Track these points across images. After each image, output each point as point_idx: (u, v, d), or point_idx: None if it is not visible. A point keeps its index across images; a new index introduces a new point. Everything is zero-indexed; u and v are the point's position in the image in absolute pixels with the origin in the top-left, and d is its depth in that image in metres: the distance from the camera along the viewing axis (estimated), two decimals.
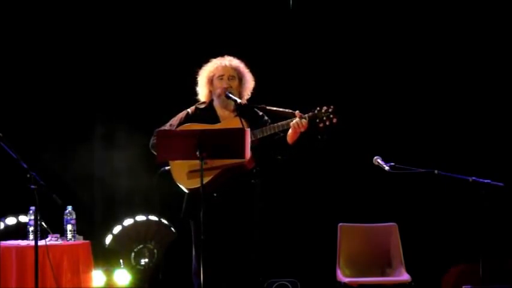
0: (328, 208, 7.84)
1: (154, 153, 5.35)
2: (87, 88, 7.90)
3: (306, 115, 5.30)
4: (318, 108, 5.31)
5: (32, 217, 6.22)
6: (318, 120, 5.29)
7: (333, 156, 7.90)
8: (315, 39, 8.00)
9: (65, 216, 6.39)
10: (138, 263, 7.59)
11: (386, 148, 6.25)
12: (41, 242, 5.60)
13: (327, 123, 5.28)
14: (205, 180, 5.17)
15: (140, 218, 7.71)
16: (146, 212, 7.72)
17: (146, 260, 7.58)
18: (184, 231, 5.65)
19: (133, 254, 7.59)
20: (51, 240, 6.27)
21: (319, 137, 5.36)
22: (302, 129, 5.27)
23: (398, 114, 7.97)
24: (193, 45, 7.71)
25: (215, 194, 5.32)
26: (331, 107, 5.29)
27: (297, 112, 5.30)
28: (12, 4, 7.78)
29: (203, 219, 5.02)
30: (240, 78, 5.54)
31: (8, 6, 7.75)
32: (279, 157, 5.48)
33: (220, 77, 5.51)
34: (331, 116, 5.27)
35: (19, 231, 6.74)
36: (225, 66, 5.54)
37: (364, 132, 7.88)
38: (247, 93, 5.58)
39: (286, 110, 5.37)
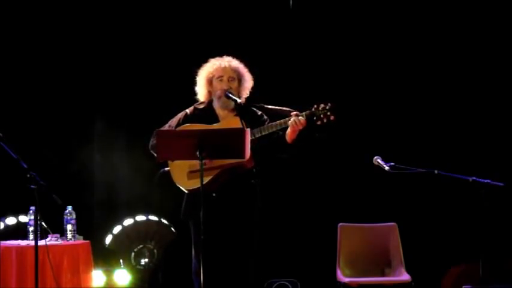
0: (328, 208, 7.84)
1: (154, 154, 5.35)
2: (87, 88, 7.90)
3: (304, 113, 5.29)
4: (316, 106, 5.30)
5: (32, 217, 6.22)
6: (315, 118, 5.28)
7: (333, 156, 7.91)
8: (315, 39, 8.00)
9: (65, 216, 6.39)
10: (138, 263, 7.59)
11: (387, 148, 6.25)
12: (41, 242, 5.59)
13: (325, 120, 5.27)
14: (205, 180, 5.16)
15: (140, 218, 7.72)
16: (146, 212, 7.72)
17: (146, 260, 7.59)
18: (184, 231, 5.65)
19: (133, 254, 7.59)
20: (51, 240, 6.27)
21: (317, 134, 5.36)
22: (300, 127, 5.26)
23: (398, 114, 7.97)
24: (194, 45, 7.71)
25: (214, 194, 5.33)
26: (329, 104, 5.29)
27: (293, 113, 5.30)
28: (12, 4, 7.78)
29: (203, 219, 5.02)
30: (240, 79, 5.53)
31: (8, 6, 7.75)
32: (279, 156, 5.47)
33: (220, 78, 5.49)
34: (329, 113, 5.27)
35: (19, 231, 6.74)
36: (225, 67, 5.51)
37: (364, 132, 7.88)
38: (246, 92, 5.56)
39: (284, 108, 5.38)
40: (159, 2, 8.00)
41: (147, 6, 7.98)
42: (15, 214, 7.11)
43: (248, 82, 5.56)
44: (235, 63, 5.55)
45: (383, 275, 7.24)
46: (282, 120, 5.33)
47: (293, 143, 5.33)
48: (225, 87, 5.45)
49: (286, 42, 7.94)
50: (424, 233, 7.79)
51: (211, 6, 7.97)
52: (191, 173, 5.28)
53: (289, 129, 5.30)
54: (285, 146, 5.37)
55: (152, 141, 5.45)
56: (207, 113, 5.51)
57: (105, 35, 7.92)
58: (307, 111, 5.30)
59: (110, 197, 7.96)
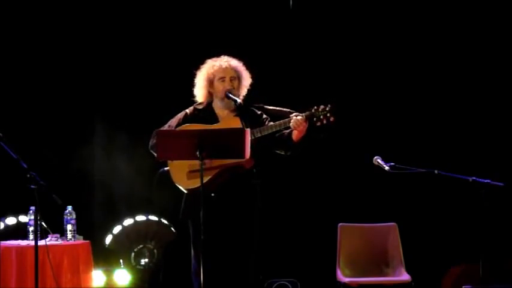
0: (328, 208, 7.84)
1: (154, 154, 5.35)
2: (87, 88, 7.90)
3: (303, 114, 5.29)
4: (315, 107, 5.30)
5: (32, 217, 6.22)
6: (315, 119, 5.28)
7: (333, 156, 7.91)
8: (315, 39, 8.00)
9: (65, 216, 6.39)
10: (138, 263, 7.59)
11: (387, 148, 6.26)
12: (41, 242, 5.59)
13: (324, 121, 5.27)
14: (204, 180, 5.16)
15: (140, 218, 7.72)
16: (146, 212, 7.72)
17: (146, 260, 7.59)
18: (184, 231, 5.65)
19: (133, 254, 7.59)
20: (51, 240, 6.27)
21: (322, 135, 5.36)
22: (302, 127, 5.26)
23: (398, 114, 7.97)
24: (194, 46, 7.71)
25: (213, 194, 5.32)
26: (328, 105, 5.29)
27: (292, 114, 5.30)
28: (12, 4, 7.78)
29: (203, 219, 5.02)
30: (239, 78, 5.53)
31: (8, 6, 7.75)
32: (283, 153, 5.47)
33: (222, 79, 5.48)
34: (328, 114, 5.27)
35: (19, 231, 6.74)
36: (226, 68, 5.50)
37: (364, 132, 7.88)
38: (244, 90, 5.56)
39: (284, 109, 5.38)
40: (159, 2, 8.00)
41: (147, 6, 7.98)
42: (15, 214, 7.11)
43: (246, 80, 5.56)
44: (234, 62, 5.55)
45: (383, 275, 7.24)
46: (281, 121, 5.33)
47: (298, 143, 5.34)
48: (228, 87, 5.45)
49: (286, 42, 7.94)
50: (424, 233, 7.79)
51: (211, 6, 7.97)
52: (190, 173, 5.28)
53: (294, 132, 5.30)
54: (291, 145, 5.37)
55: (152, 141, 5.45)
56: (207, 114, 5.51)
57: (105, 35, 7.92)
58: (307, 112, 5.30)
59: (110, 197, 7.95)
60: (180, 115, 5.55)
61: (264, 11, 7.98)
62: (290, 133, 5.36)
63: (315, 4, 8.03)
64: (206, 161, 5.13)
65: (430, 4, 7.98)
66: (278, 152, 5.50)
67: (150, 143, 5.47)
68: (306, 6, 8.00)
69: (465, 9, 7.93)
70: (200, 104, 5.59)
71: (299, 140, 5.34)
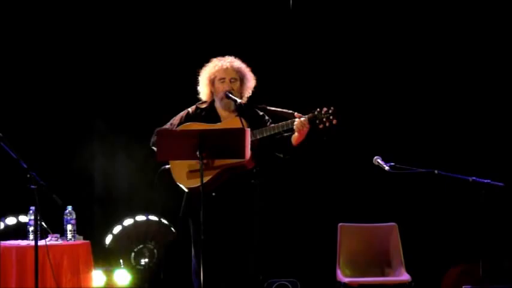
0: (328, 208, 7.84)
1: (155, 150, 5.35)
2: (88, 88, 7.90)
3: (306, 116, 5.28)
4: (318, 110, 5.29)
5: (32, 217, 6.22)
6: (317, 122, 5.27)
7: (333, 156, 7.91)
8: (315, 40, 8.00)
9: (65, 216, 6.39)
10: (138, 263, 7.60)
11: (387, 148, 6.26)
12: (41, 242, 5.59)
13: (327, 124, 5.26)
14: (205, 179, 5.16)
15: (140, 218, 7.72)
16: (146, 212, 7.72)
17: (146, 260, 7.59)
18: (184, 231, 5.65)
19: (133, 254, 7.59)
20: (51, 240, 6.27)
21: (325, 138, 5.35)
22: (306, 129, 5.26)
23: (398, 114, 7.97)
24: (194, 46, 7.72)
25: (214, 194, 5.33)
26: (331, 108, 5.27)
27: (296, 113, 5.30)
28: (12, 4, 7.78)
29: (203, 219, 5.02)
30: (242, 79, 5.52)
31: (8, 6, 7.76)
32: (282, 156, 5.47)
33: (222, 80, 5.48)
34: (331, 117, 5.26)
35: (19, 231, 6.74)
36: (227, 68, 5.50)
37: (364, 132, 7.88)
38: (248, 92, 5.56)
39: (286, 111, 5.37)
40: (159, 2, 8.00)
41: (147, 6, 7.98)
42: (15, 214, 7.11)
43: (250, 82, 5.55)
44: (237, 63, 5.54)
45: (383, 275, 7.24)
46: (283, 123, 5.32)
47: (298, 146, 5.34)
48: (227, 89, 5.45)
49: (286, 43, 7.93)
50: (424, 233, 7.79)
51: (212, 6, 7.96)
52: (191, 172, 5.28)
53: (296, 133, 5.29)
54: (290, 148, 5.37)
55: (153, 138, 5.44)
56: (209, 113, 5.51)
57: (105, 35, 7.92)
58: (310, 115, 5.29)
59: (110, 197, 7.96)
60: (182, 113, 5.55)
61: (264, 11, 7.97)
62: (290, 136, 5.36)
63: (315, 4, 8.03)
64: (208, 160, 5.14)
65: (429, 4, 7.98)
66: (277, 154, 5.48)
67: (152, 140, 5.48)
68: (306, 6, 8.00)
69: (465, 9, 7.92)
70: (203, 103, 5.59)
71: (299, 144, 5.34)
